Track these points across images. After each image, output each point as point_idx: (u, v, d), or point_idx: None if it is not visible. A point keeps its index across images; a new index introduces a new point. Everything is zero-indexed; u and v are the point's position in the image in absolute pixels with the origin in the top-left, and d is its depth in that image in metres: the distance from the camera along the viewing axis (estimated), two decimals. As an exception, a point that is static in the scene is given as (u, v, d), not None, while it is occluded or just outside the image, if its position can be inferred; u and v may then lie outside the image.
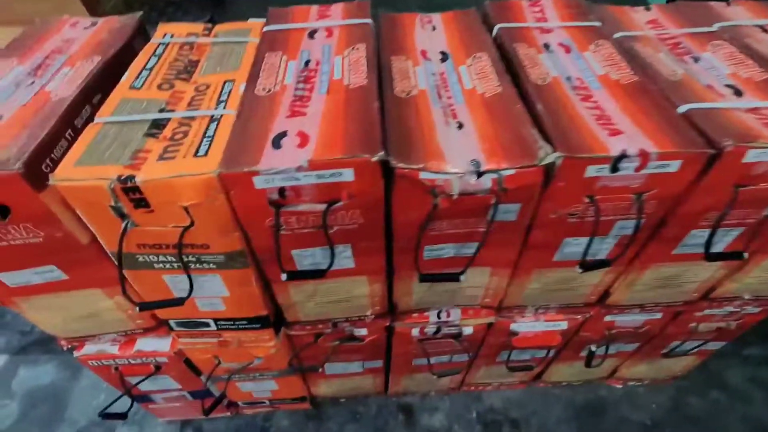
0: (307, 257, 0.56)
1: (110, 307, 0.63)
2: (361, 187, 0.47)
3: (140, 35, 0.69)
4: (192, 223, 0.48)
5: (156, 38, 0.67)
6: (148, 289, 0.59)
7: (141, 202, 0.46)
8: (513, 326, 0.76)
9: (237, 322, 0.66)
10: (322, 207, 0.48)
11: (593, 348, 0.83)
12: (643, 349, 0.89)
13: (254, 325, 0.67)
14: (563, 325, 0.76)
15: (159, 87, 0.58)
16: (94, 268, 0.56)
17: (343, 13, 0.70)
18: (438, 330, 0.75)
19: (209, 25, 0.71)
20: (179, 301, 0.54)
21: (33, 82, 0.57)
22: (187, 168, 0.45)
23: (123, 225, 0.48)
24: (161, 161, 0.46)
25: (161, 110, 0.54)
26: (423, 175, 0.47)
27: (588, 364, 0.84)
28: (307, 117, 0.51)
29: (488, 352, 0.84)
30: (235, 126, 0.50)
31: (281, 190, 0.46)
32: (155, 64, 0.62)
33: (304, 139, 0.47)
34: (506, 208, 0.51)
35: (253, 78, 0.57)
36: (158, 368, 0.75)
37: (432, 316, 0.73)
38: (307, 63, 0.60)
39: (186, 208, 0.47)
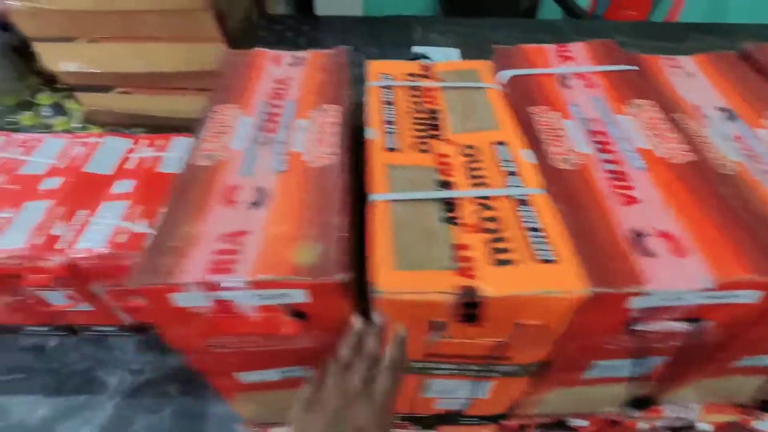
0: (606, 368, 0.46)
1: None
2: (751, 308, 0.36)
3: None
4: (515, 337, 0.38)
5: (373, 80, 0.57)
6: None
7: (471, 317, 0.36)
8: (756, 424, 0.65)
9: (469, 419, 0.56)
10: (682, 326, 0.38)
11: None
12: None
13: (485, 422, 0.57)
14: (815, 424, 0.65)
15: (416, 148, 0.48)
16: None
17: (590, 55, 0.60)
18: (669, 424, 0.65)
19: (425, 64, 0.61)
20: (452, 419, 0.45)
21: (271, 140, 0.48)
22: (545, 281, 0.35)
23: (430, 338, 0.38)
24: (499, 267, 0.36)
25: (439, 183, 0.44)
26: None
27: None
28: (647, 205, 0.40)
29: (702, 442, 0.73)
30: (566, 216, 0.40)
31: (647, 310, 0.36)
32: (393, 115, 0.52)
33: (675, 244, 0.37)
34: None
35: (534, 142, 0.47)
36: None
37: (669, 410, 0.63)
38: (585, 122, 0.50)
39: (520, 325, 0.37)
